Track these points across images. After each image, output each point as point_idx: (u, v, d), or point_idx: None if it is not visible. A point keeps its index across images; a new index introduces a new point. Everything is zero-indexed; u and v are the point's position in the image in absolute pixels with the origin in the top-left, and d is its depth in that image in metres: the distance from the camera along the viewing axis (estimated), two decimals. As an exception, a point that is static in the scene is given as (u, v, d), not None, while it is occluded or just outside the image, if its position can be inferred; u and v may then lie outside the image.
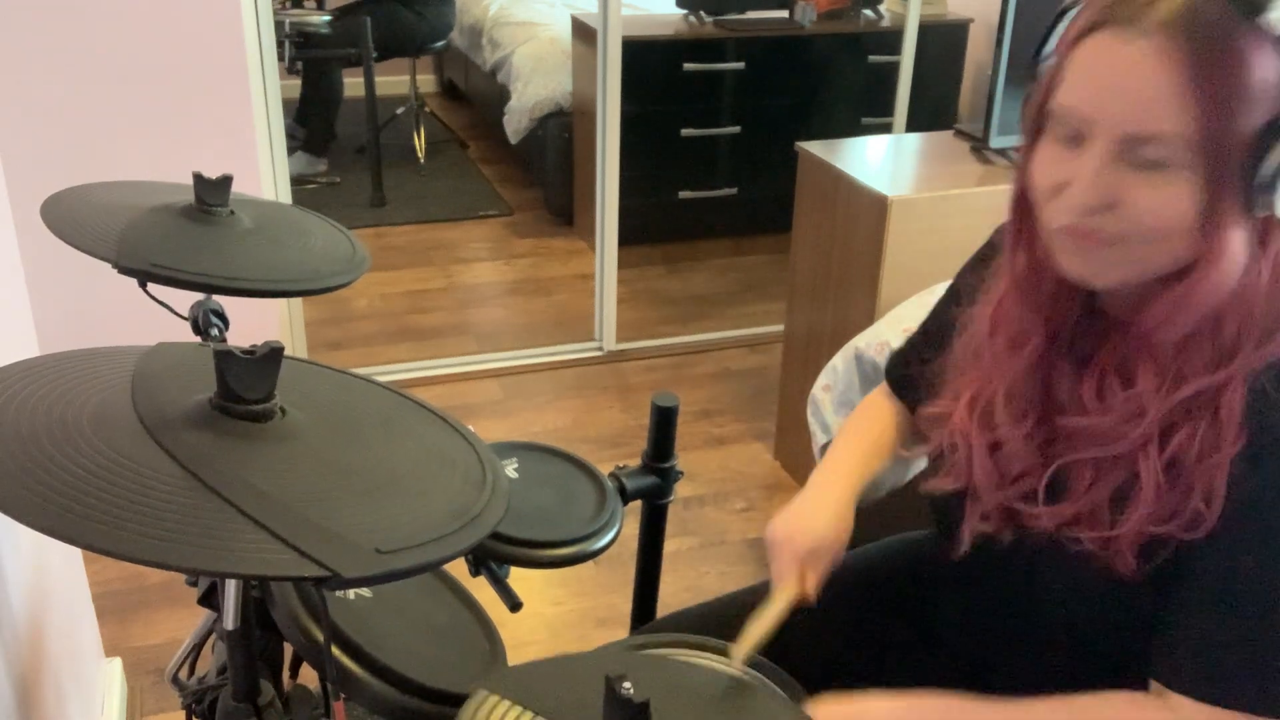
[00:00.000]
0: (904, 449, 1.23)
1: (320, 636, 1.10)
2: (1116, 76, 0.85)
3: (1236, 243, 0.87)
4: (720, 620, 1.25)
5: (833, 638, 1.22)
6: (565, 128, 3.95)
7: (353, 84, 4.45)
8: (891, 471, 1.27)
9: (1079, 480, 0.95)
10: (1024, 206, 0.97)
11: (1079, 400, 0.97)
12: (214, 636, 1.38)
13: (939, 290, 2.10)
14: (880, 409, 1.27)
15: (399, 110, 4.86)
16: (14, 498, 0.71)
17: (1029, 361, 1.01)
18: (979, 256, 1.17)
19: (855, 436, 1.24)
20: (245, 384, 0.84)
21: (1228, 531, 0.87)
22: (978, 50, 3.94)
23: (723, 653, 1.06)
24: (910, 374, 1.20)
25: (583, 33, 3.69)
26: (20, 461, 0.75)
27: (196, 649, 1.40)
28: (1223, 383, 0.88)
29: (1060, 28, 0.92)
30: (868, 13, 3.85)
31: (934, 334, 1.19)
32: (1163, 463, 0.90)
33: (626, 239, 3.25)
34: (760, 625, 1.08)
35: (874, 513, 2.22)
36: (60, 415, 0.81)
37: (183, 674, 1.37)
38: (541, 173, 4.20)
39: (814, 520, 1.13)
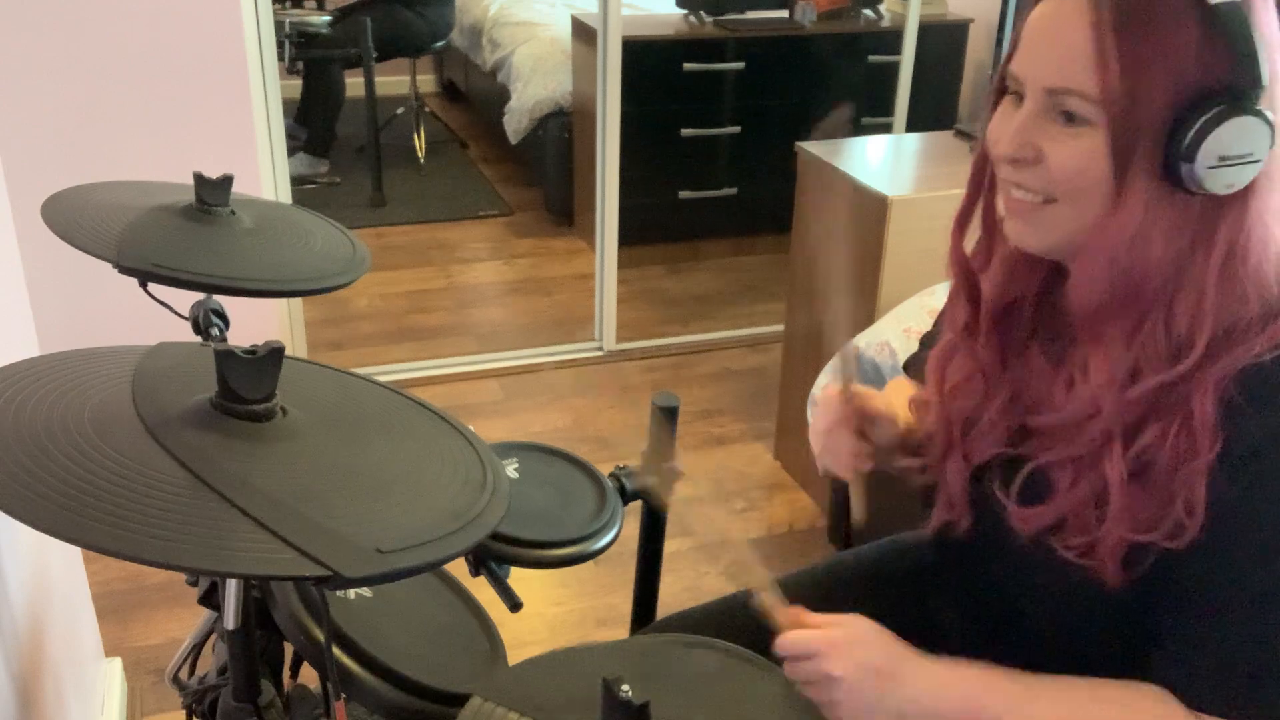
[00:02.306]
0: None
1: (321, 636, 1.10)
2: (1044, 33, 0.88)
3: (1146, 204, 0.85)
4: (720, 621, 1.26)
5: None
6: (565, 128, 3.95)
7: (353, 84, 4.45)
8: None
9: (1058, 483, 0.94)
10: (979, 176, 1.00)
11: (1051, 398, 0.97)
12: (214, 636, 1.39)
13: (939, 290, 2.11)
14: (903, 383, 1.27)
15: (399, 110, 4.86)
16: (15, 497, 0.71)
17: (994, 344, 1.02)
18: None
19: (895, 387, 1.25)
20: (246, 384, 0.84)
21: (1219, 543, 0.86)
22: (978, 50, 3.94)
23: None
24: (918, 366, 1.21)
25: (583, 33, 3.69)
26: (21, 461, 0.75)
27: (197, 649, 1.40)
28: (1186, 380, 0.87)
29: None
30: (868, 13, 3.85)
31: (936, 329, 1.19)
32: (1128, 462, 0.89)
33: (626, 239, 3.26)
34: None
35: (874, 515, 2.22)
36: (61, 415, 0.81)
37: (183, 674, 1.37)
38: (541, 173, 4.20)
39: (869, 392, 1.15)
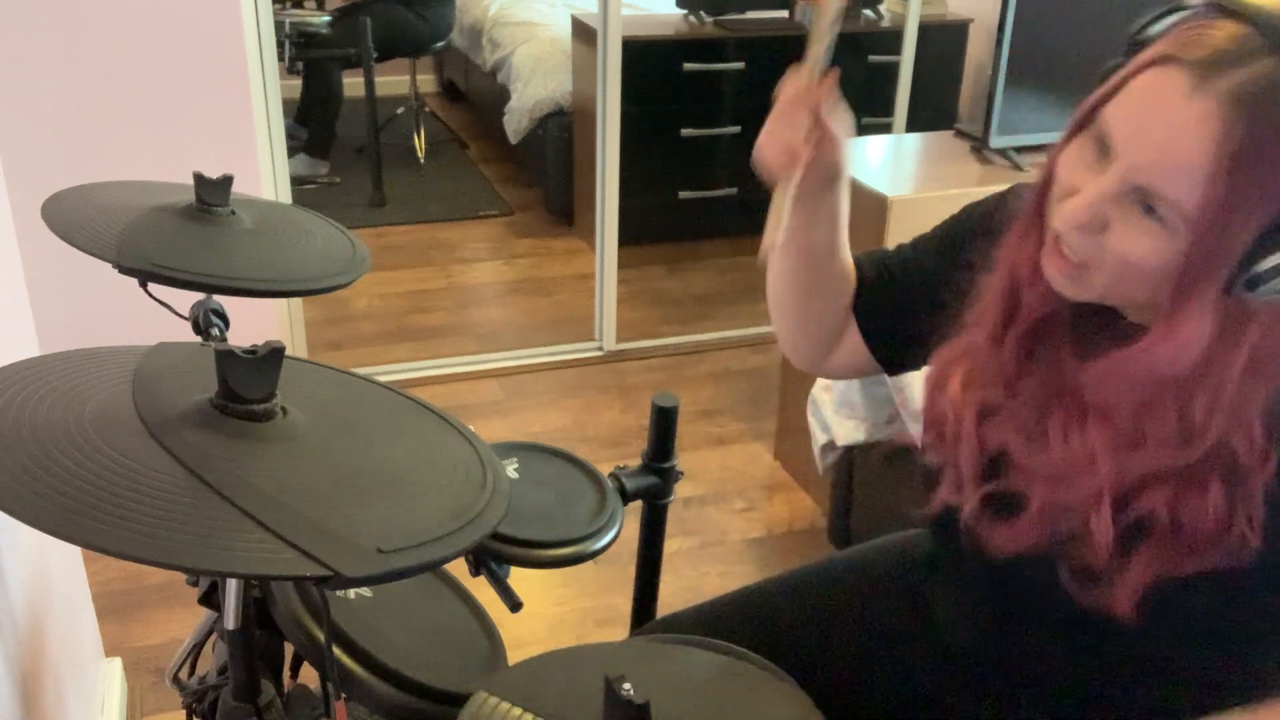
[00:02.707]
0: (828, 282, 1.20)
1: (321, 636, 1.10)
2: (1160, 124, 0.81)
3: (1199, 325, 0.83)
4: (719, 620, 1.26)
5: (833, 635, 1.22)
6: (565, 128, 3.95)
7: (353, 84, 4.45)
8: (821, 312, 1.22)
9: (1030, 509, 0.93)
10: (1044, 192, 0.95)
11: (1044, 434, 0.95)
12: (214, 636, 1.39)
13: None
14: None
15: (399, 110, 4.86)
16: (15, 497, 0.71)
17: (1020, 350, 0.99)
18: (954, 230, 1.16)
19: None
20: (246, 384, 0.84)
21: None
22: (978, 50, 3.94)
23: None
24: (873, 307, 1.19)
25: (583, 33, 3.69)
26: (20, 461, 0.75)
27: (197, 649, 1.40)
28: (1197, 465, 0.85)
29: (1166, 22, 0.86)
30: (868, 13, 3.85)
31: (905, 286, 1.18)
32: (1121, 526, 0.88)
33: (626, 239, 3.25)
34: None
35: (873, 514, 2.23)
36: (61, 415, 0.81)
37: (183, 674, 1.37)
38: (541, 173, 4.20)
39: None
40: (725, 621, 1.25)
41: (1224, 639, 0.95)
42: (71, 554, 1.78)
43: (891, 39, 3.62)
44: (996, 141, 2.35)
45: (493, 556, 1.25)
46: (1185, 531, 0.87)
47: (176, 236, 1.21)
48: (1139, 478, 0.88)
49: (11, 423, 0.79)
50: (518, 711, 0.86)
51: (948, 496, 1.03)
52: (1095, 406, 0.91)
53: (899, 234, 2.20)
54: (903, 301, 1.17)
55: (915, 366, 1.18)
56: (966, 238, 1.10)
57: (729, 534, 2.50)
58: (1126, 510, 0.89)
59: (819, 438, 2.23)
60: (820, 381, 2.24)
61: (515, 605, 1.25)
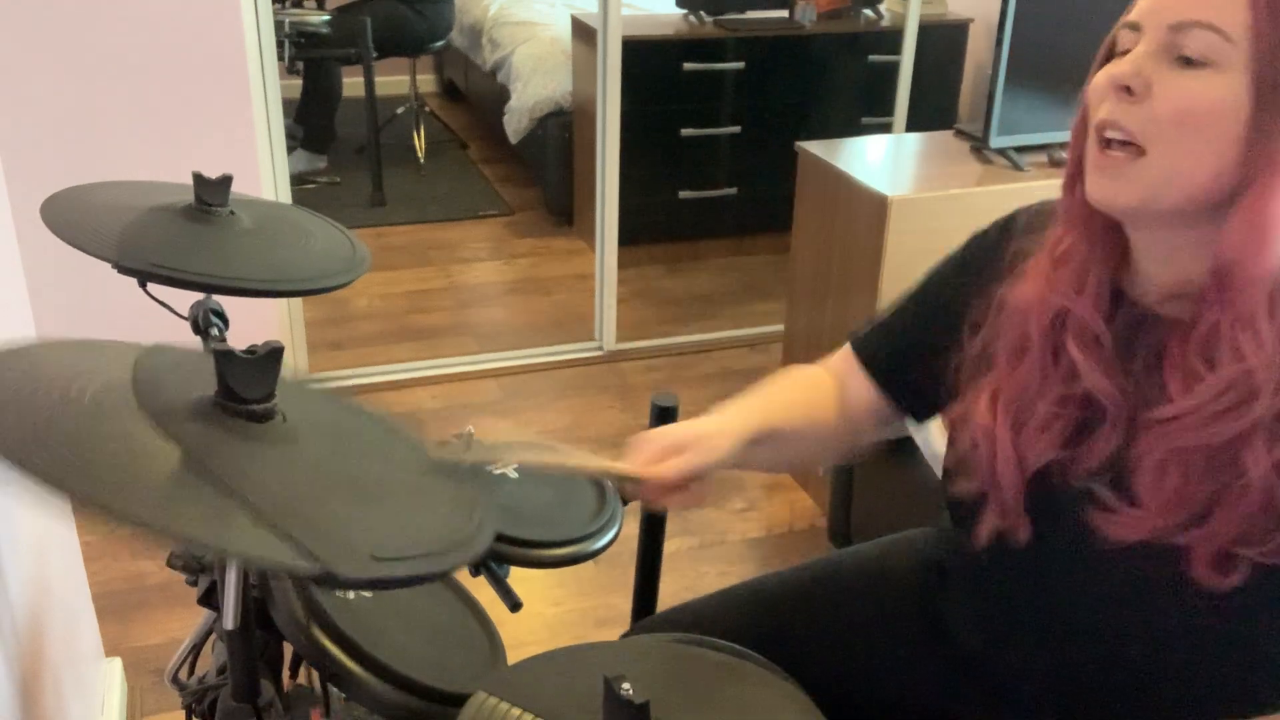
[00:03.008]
0: (851, 428, 1.18)
1: (321, 636, 1.10)
2: None
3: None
4: (719, 616, 1.26)
5: (836, 636, 1.22)
6: (565, 128, 3.95)
7: (352, 84, 4.45)
8: (822, 447, 1.21)
9: (1161, 481, 0.89)
10: (1080, 138, 0.94)
11: (1156, 392, 0.91)
12: (214, 636, 1.38)
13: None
14: (822, 382, 1.22)
15: (399, 110, 4.85)
16: (14, 445, 0.71)
17: (1047, 351, 0.98)
18: (963, 263, 1.13)
19: (787, 386, 1.20)
20: (245, 384, 0.84)
21: None
22: (978, 50, 3.94)
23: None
24: (887, 359, 1.17)
25: (583, 33, 3.69)
26: (23, 414, 0.74)
27: (196, 649, 1.40)
28: None
29: None
30: (868, 13, 3.85)
31: (915, 328, 1.16)
32: (1275, 461, 0.84)
33: (626, 239, 3.25)
34: (573, 457, 1.02)
35: (873, 514, 2.23)
36: (61, 394, 0.80)
37: (183, 674, 1.37)
38: (541, 173, 4.19)
39: (692, 423, 1.08)
40: (726, 618, 1.25)
41: (1245, 652, 0.94)
42: (71, 554, 1.78)
43: (891, 39, 3.62)
44: (996, 141, 2.35)
45: (493, 556, 1.25)
46: (1252, 496, 0.85)
47: (176, 236, 1.21)
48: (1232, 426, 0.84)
49: (14, 394, 0.79)
50: (516, 712, 0.86)
51: (997, 522, 1.00)
52: (1234, 322, 0.85)
53: (899, 234, 2.21)
54: (919, 352, 1.14)
55: (945, 404, 1.13)
56: (981, 268, 1.08)
57: (729, 534, 2.50)
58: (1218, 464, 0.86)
59: (819, 438, 2.23)
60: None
61: (515, 605, 1.25)
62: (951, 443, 1.08)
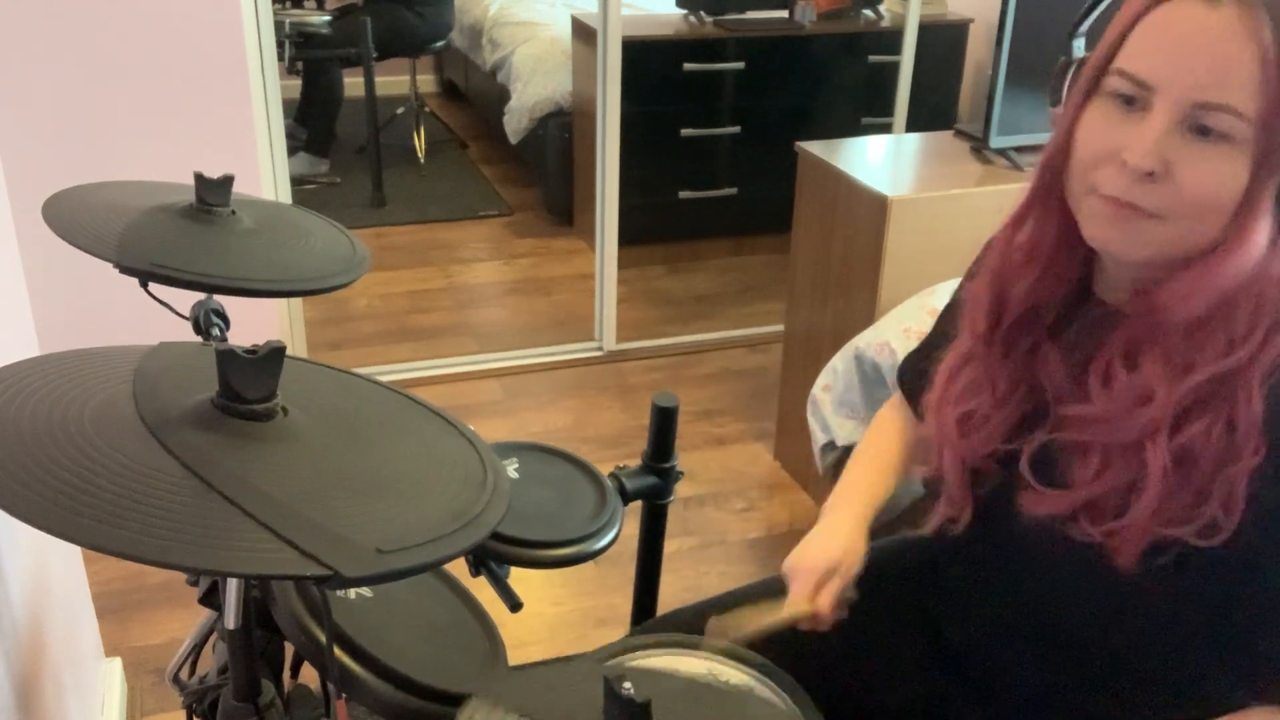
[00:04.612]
0: (919, 462, 1.23)
1: (321, 636, 1.10)
2: (1194, 43, 0.84)
3: (1264, 228, 0.86)
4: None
5: (838, 639, 1.22)
6: (565, 128, 3.95)
7: (353, 84, 4.45)
8: (908, 486, 1.27)
9: (1083, 469, 0.94)
10: (1053, 170, 0.96)
11: (1082, 388, 0.96)
12: (214, 636, 1.39)
13: (939, 290, 2.11)
14: (890, 425, 1.27)
15: (399, 110, 4.85)
16: (15, 496, 0.71)
17: (1009, 346, 1.01)
18: (971, 271, 1.17)
19: (867, 459, 1.25)
20: (247, 384, 0.84)
21: (1273, 546, 0.87)
22: (978, 50, 3.94)
23: (718, 651, 1.06)
24: (918, 379, 1.20)
25: (583, 33, 3.69)
26: (21, 461, 0.75)
27: (197, 649, 1.40)
28: (1235, 372, 0.87)
29: None
30: (868, 13, 3.85)
31: (937, 339, 1.19)
32: (1172, 454, 0.88)
33: (626, 239, 3.25)
34: (754, 619, 1.08)
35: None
36: (61, 415, 0.81)
37: (183, 674, 1.37)
38: (541, 173, 4.19)
39: (828, 543, 1.14)
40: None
41: (1214, 644, 0.95)
42: (71, 554, 1.78)
43: (891, 39, 3.62)
44: (996, 141, 2.35)
45: (493, 556, 1.25)
46: (1186, 473, 0.88)
47: (177, 236, 1.21)
48: (1189, 404, 0.88)
49: (12, 422, 0.79)
50: (513, 717, 0.86)
51: (946, 511, 1.05)
52: (1150, 340, 0.91)
53: (899, 234, 2.21)
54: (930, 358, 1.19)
55: None
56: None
57: (729, 534, 2.50)
58: (1173, 441, 0.89)
59: (819, 438, 2.23)
60: (820, 381, 2.24)
61: (515, 605, 1.25)
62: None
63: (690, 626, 1.14)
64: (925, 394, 1.14)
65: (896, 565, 1.26)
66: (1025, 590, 1.04)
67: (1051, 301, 1.00)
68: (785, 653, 1.07)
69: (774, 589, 1.14)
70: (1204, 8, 0.83)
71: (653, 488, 1.45)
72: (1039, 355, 1.01)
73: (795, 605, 1.10)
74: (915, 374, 1.21)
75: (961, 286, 1.18)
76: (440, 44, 4.68)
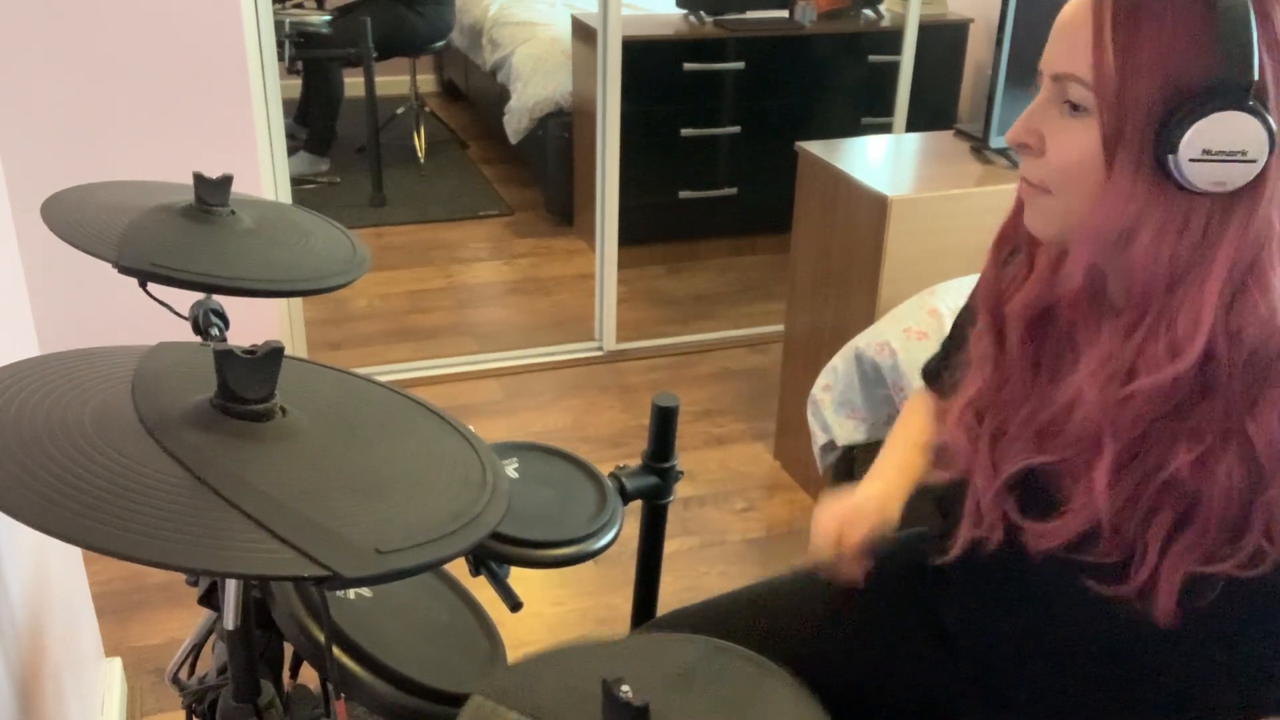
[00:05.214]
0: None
1: (321, 636, 1.10)
2: (1059, 24, 0.89)
3: (1132, 195, 0.84)
4: (720, 618, 1.25)
5: (839, 638, 1.22)
6: (565, 128, 3.95)
7: (353, 84, 4.45)
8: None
9: (1066, 495, 0.92)
10: None
11: (1051, 396, 0.95)
12: (214, 636, 1.39)
13: (939, 290, 2.11)
14: (921, 404, 1.26)
15: (399, 110, 4.85)
16: (14, 498, 0.71)
17: (1026, 353, 0.99)
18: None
19: (902, 437, 1.25)
20: (246, 384, 0.84)
21: None
22: (978, 50, 3.94)
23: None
24: (939, 373, 1.20)
25: (583, 33, 3.69)
26: (21, 461, 0.75)
27: (197, 649, 1.40)
28: (1232, 409, 0.85)
29: None
30: (868, 13, 3.85)
31: (955, 336, 1.18)
32: (1142, 493, 0.87)
33: (626, 239, 3.25)
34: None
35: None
36: (61, 415, 0.81)
37: (183, 674, 1.37)
38: (541, 173, 4.19)
39: (857, 494, 1.15)
40: (730, 620, 1.25)
41: (1247, 664, 0.94)
42: (71, 554, 1.78)
43: (891, 39, 3.62)
44: (997, 141, 2.35)
45: (493, 556, 1.25)
46: (1205, 510, 0.86)
47: (176, 236, 1.21)
48: (1136, 417, 0.87)
49: (12, 422, 0.79)
50: (514, 716, 0.86)
51: (973, 531, 1.01)
52: (1086, 340, 0.92)
53: (899, 234, 2.21)
54: (949, 353, 1.20)
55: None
56: None
57: (729, 534, 2.50)
58: (1139, 462, 0.88)
59: (819, 438, 2.23)
60: (820, 381, 2.24)
61: (515, 605, 1.25)
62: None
63: (689, 628, 1.15)
64: (944, 393, 1.14)
65: (899, 564, 1.26)
66: (1040, 618, 1.03)
67: (1059, 306, 0.97)
68: (788, 652, 1.07)
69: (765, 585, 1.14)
70: None
71: (653, 488, 1.45)
72: (1060, 363, 0.98)
73: (818, 551, 1.11)
74: (933, 367, 1.22)
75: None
76: (440, 44, 4.68)
